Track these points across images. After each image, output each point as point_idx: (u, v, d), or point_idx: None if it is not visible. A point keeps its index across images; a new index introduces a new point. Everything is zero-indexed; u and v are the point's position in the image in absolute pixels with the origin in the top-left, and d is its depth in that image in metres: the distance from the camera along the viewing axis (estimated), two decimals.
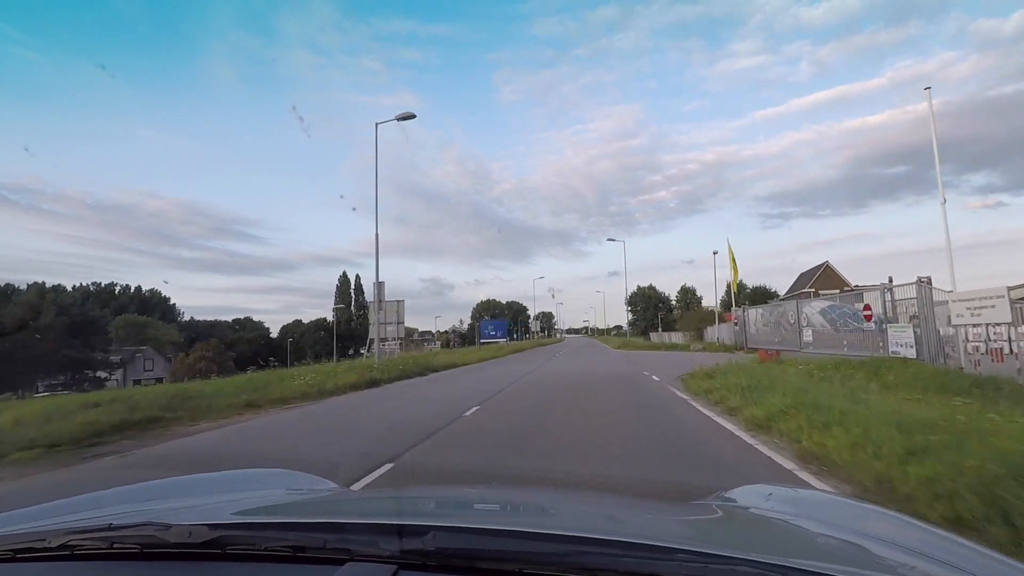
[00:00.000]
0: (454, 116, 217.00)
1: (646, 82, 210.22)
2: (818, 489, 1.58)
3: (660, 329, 61.57)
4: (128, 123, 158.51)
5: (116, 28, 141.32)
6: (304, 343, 77.28)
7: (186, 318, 75.70)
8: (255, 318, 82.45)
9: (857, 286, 31.37)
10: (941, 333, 11.29)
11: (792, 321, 19.12)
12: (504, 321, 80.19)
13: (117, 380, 45.10)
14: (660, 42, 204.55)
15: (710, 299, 60.79)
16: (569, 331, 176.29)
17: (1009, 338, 9.29)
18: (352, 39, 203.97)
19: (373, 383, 13.19)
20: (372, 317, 21.57)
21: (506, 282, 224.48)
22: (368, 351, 27.57)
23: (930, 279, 11.60)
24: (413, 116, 18.35)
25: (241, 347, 62.73)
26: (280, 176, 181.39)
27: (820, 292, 33.28)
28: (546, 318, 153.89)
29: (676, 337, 42.37)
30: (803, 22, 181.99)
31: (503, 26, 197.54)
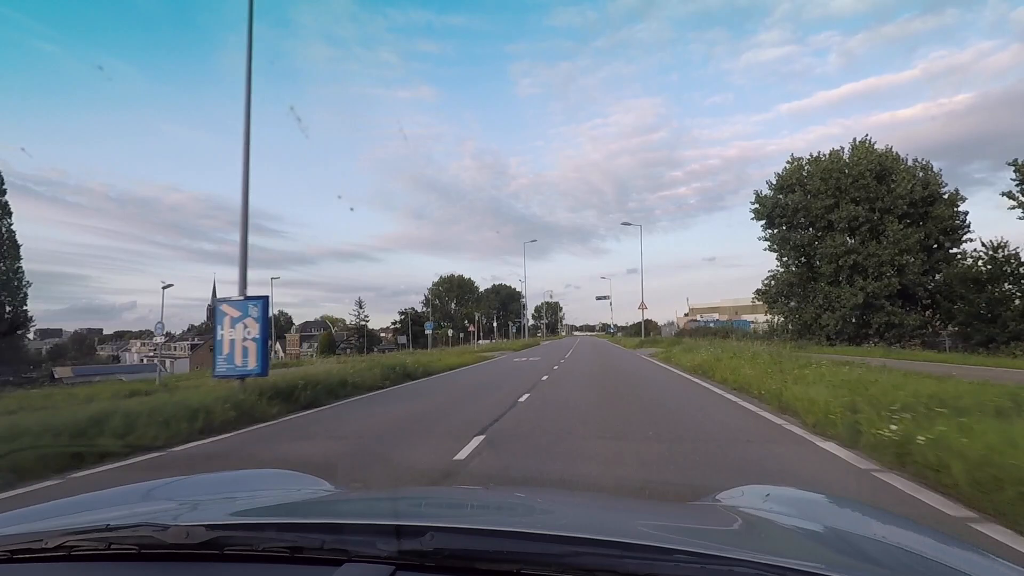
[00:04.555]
0: (471, 110, 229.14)
1: (667, 75, 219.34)
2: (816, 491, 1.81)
3: None
4: (147, 117, 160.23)
5: (136, 24, 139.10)
6: None
7: None
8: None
9: None
10: None
11: None
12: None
13: None
14: (682, 33, 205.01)
15: None
16: (583, 327, 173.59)
17: None
18: (368, 31, 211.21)
19: None
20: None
21: (522, 278, 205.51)
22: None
23: None
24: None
25: None
26: (297, 170, 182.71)
27: None
28: (551, 310, 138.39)
29: None
30: (832, 11, 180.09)
31: (520, 16, 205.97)
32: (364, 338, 77.16)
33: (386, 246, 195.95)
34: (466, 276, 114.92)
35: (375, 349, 71.57)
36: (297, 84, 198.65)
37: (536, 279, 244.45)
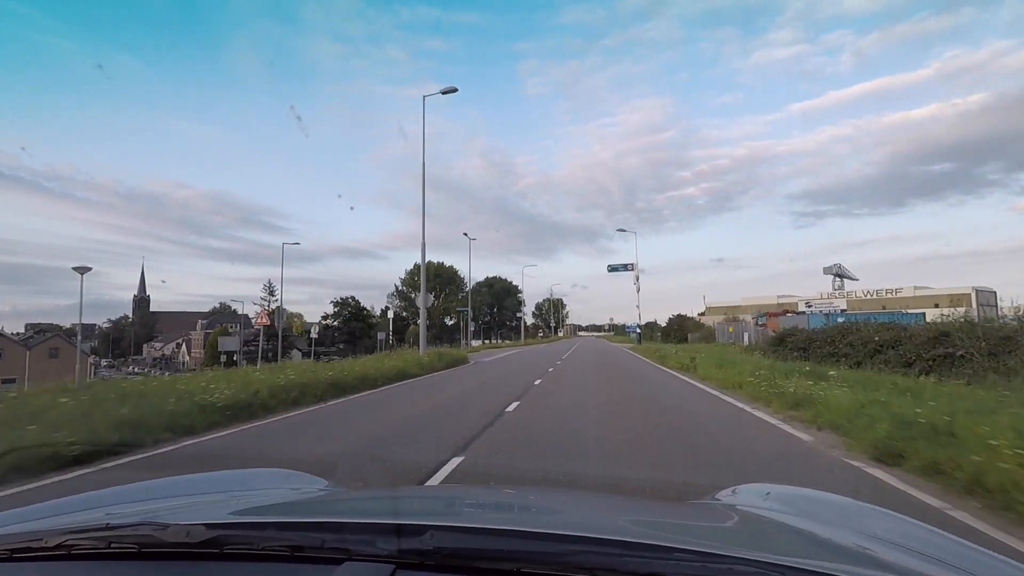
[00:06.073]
0: (479, 108, 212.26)
1: (676, 74, 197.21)
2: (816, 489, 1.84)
3: None
4: (156, 114, 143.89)
5: (148, 20, 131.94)
6: None
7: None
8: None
9: None
10: None
11: None
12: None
13: None
14: (692, 32, 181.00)
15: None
16: (590, 327, 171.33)
17: None
18: (376, 28, 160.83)
19: None
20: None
21: (529, 278, 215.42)
22: None
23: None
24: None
25: None
26: (305, 168, 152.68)
27: None
28: (553, 308, 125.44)
29: None
30: (845, 10, 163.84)
31: (530, 15, 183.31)
32: (266, 339, 53.92)
33: (392, 244, 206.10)
34: (447, 264, 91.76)
35: (294, 354, 49.17)
36: (305, 82, 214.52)
37: (541, 278, 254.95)
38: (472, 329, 57.32)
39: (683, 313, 60.98)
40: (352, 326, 63.89)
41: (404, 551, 0.88)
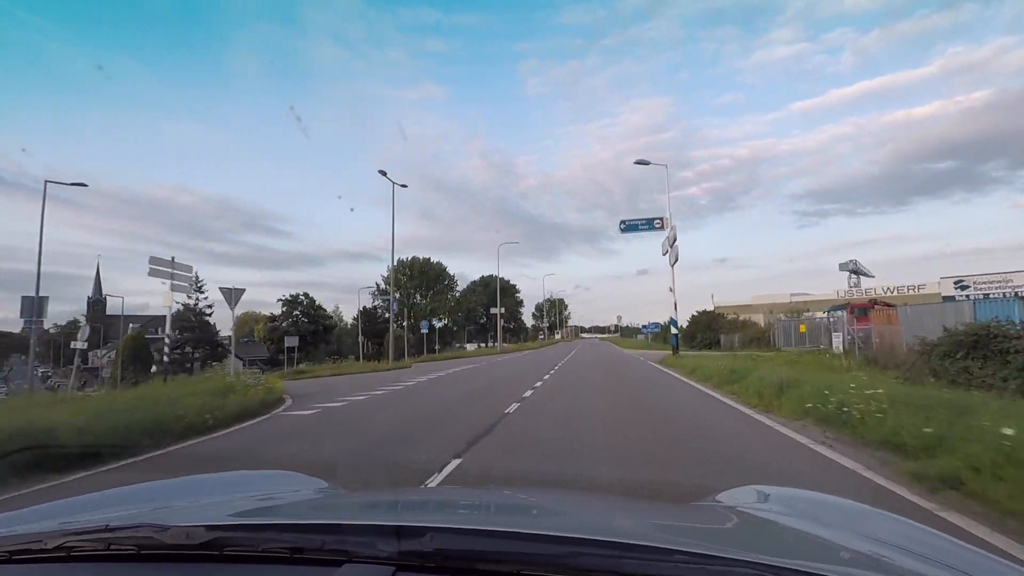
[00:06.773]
0: (479, 108, 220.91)
1: (677, 74, 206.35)
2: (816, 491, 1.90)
3: None
4: (156, 116, 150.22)
5: (148, 23, 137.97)
6: None
7: None
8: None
9: None
10: None
11: None
12: None
13: None
14: (692, 31, 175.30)
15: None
16: (592, 329, 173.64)
17: None
18: (377, 30, 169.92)
19: None
20: None
21: (532, 279, 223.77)
22: None
23: None
24: None
25: None
26: (306, 170, 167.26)
27: None
28: (553, 308, 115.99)
29: None
30: (846, 8, 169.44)
31: (530, 15, 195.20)
32: (193, 346, 42.84)
33: (390, 246, 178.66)
34: (433, 260, 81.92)
35: (230, 361, 38.61)
36: (306, 84, 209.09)
37: (547, 280, 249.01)
38: (425, 332, 45.67)
39: (707, 309, 51.31)
40: (304, 328, 52.74)
41: (404, 553, 0.89)
